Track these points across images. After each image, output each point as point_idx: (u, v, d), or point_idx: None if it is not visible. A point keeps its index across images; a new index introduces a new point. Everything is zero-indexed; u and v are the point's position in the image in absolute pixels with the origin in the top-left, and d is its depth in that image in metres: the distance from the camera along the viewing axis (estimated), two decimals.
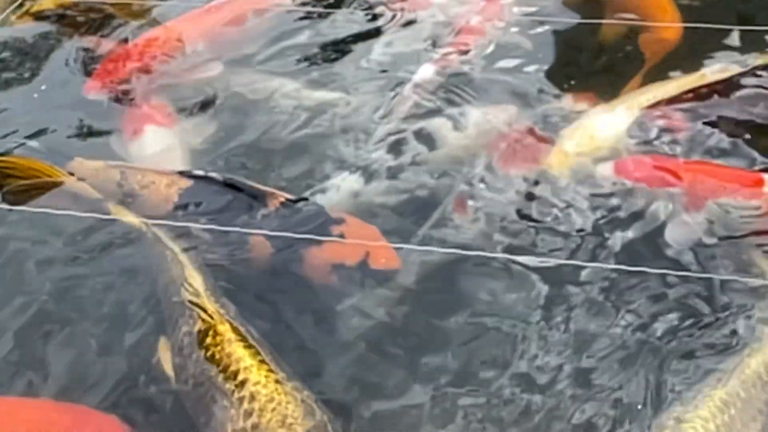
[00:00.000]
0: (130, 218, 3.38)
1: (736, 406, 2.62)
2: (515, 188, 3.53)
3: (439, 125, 3.81)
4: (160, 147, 3.87)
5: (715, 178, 3.39)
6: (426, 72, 4.12)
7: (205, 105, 4.13)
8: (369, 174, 3.64)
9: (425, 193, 3.59)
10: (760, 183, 3.33)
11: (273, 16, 4.62)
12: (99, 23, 4.74)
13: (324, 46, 4.48)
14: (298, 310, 3.11)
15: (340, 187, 3.60)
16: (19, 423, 2.79)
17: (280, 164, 3.78)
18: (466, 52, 4.24)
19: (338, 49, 4.45)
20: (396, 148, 3.74)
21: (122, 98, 4.16)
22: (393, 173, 3.65)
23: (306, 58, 4.43)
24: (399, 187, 3.62)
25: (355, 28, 4.57)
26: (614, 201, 3.44)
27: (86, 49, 4.59)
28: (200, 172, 3.52)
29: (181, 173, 3.52)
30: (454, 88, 4.06)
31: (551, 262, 3.22)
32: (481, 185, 3.56)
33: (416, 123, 3.84)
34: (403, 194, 3.60)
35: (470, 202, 3.50)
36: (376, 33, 4.50)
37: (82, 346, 3.10)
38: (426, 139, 3.77)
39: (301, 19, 4.68)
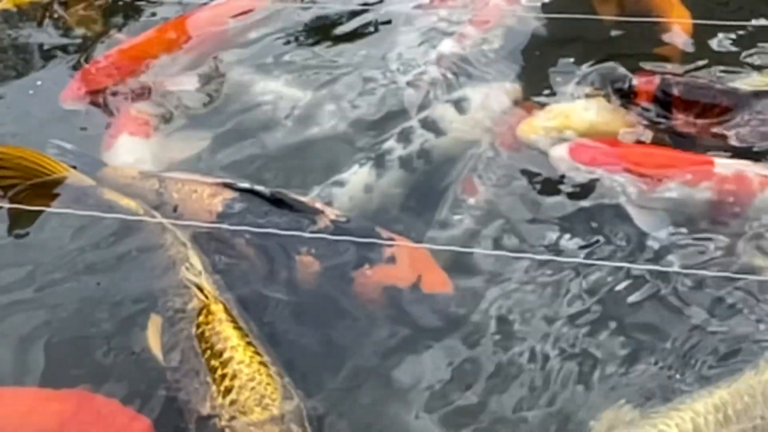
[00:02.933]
0: (127, 202, 3.36)
1: (735, 408, 2.50)
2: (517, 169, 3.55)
3: (443, 111, 3.80)
4: (131, 158, 3.75)
5: (667, 161, 3.42)
6: (446, 47, 4.21)
7: (190, 114, 4.05)
8: (379, 166, 3.59)
9: (435, 181, 3.56)
10: (710, 164, 3.37)
11: (256, 19, 4.53)
12: (57, 24, 4.73)
13: (316, 43, 4.45)
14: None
15: (351, 182, 3.56)
16: (23, 413, 2.77)
17: (280, 166, 3.73)
18: (484, 30, 4.28)
19: (332, 45, 4.42)
20: (403, 137, 3.70)
21: (100, 107, 4.08)
22: (402, 163, 3.61)
23: (296, 56, 4.38)
24: (410, 178, 3.59)
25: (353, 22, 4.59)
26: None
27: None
28: (246, 184, 3.38)
29: (225, 184, 3.40)
30: (468, 66, 4.11)
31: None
32: (487, 166, 3.55)
33: (422, 110, 3.84)
34: (414, 184, 3.57)
35: (479, 184, 3.49)
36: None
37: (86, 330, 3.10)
38: (431, 125, 3.73)
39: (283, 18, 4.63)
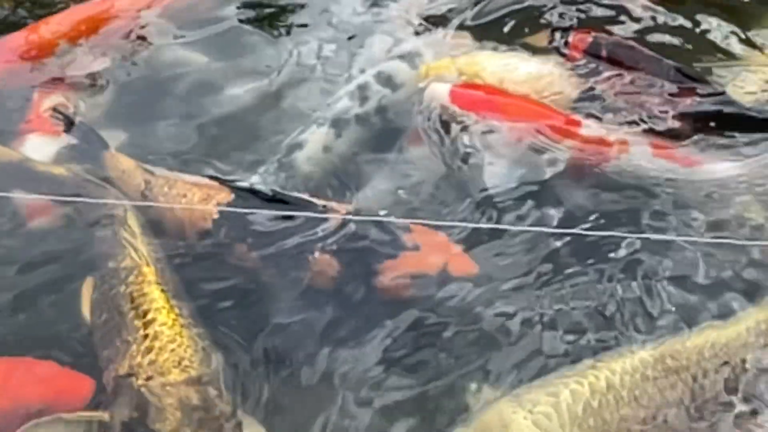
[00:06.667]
0: (60, 171, 3.30)
1: (656, 369, 2.45)
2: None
3: (397, 66, 3.73)
4: (41, 157, 3.47)
5: (538, 116, 3.43)
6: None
7: (112, 103, 3.83)
8: (337, 125, 3.54)
9: (392, 136, 3.53)
10: (577, 125, 3.40)
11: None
12: None
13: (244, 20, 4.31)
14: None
15: (310, 141, 3.50)
16: None
17: (232, 137, 3.64)
18: None
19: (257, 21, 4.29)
20: (359, 94, 3.63)
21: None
22: (360, 120, 3.57)
23: (228, 23, 4.25)
24: (367, 134, 3.55)
25: None
26: None
27: None
28: (244, 184, 3.18)
29: (221, 184, 3.18)
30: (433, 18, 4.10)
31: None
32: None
33: (376, 66, 3.76)
34: (370, 141, 3.54)
35: (424, 136, 3.46)
36: None
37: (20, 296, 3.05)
38: (386, 81, 3.66)
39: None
